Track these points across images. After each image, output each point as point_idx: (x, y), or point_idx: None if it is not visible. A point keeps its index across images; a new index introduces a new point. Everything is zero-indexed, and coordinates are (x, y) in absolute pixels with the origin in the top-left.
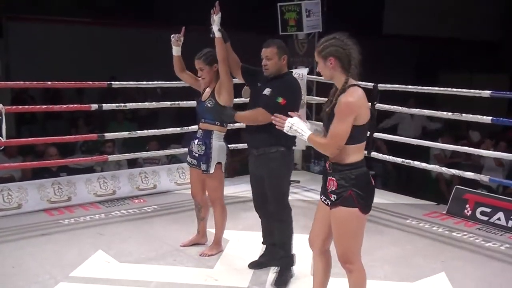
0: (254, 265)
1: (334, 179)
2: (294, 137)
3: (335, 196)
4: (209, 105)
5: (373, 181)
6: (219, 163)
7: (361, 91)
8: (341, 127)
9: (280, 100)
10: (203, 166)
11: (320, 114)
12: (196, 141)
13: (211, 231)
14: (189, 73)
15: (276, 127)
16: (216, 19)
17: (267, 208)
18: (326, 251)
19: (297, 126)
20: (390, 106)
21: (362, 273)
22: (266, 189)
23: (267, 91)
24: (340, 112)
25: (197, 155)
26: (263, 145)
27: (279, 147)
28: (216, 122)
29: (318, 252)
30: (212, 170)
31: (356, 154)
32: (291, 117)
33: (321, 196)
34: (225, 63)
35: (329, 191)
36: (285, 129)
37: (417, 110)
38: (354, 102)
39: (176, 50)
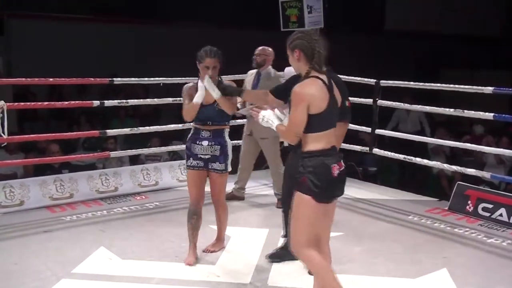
0: (274, 257)
1: (298, 164)
2: None
3: (295, 181)
4: (219, 107)
5: (334, 173)
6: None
7: (318, 82)
8: (294, 115)
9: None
10: (220, 166)
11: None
12: (205, 143)
13: (212, 227)
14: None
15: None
16: (206, 84)
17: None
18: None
19: (268, 118)
20: (391, 102)
21: (314, 261)
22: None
23: None
24: (292, 100)
25: (208, 156)
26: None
27: None
28: (226, 122)
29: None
30: (230, 168)
31: (315, 143)
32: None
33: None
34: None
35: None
36: (259, 120)
37: (419, 106)
38: (303, 91)
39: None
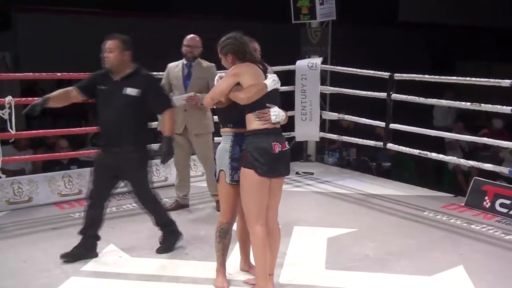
0: (67, 256)
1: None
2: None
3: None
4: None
5: (275, 149)
6: None
7: (251, 65)
8: (221, 85)
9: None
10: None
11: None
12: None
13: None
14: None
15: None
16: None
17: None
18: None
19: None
20: (406, 96)
21: (257, 236)
22: None
23: (132, 91)
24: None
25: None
26: None
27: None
28: (228, 125)
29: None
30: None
31: (255, 122)
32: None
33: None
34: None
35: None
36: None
37: (434, 100)
38: (236, 68)
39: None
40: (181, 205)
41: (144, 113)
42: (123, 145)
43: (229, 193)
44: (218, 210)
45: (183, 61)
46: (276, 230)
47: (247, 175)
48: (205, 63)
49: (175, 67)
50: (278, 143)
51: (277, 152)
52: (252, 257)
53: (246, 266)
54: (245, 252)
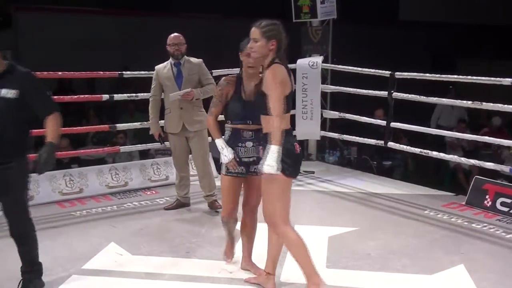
0: None
1: (264, 148)
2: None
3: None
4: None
5: (297, 149)
6: None
7: (282, 67)
8: (275, 96)
9: None
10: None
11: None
12: (249, 144)
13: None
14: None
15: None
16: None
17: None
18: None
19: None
20: (407, 94)
21: (291, 237)
22: None
23: (8, 92)
24: (267, 84)
25: (253, 159)
26: None
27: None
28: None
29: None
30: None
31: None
32: None
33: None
34: None
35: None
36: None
37: (435, 98)
38: (277, 74)
39: None
40: (182, 204)
41: (24, 118)
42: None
43: (225, 185)
44: (214, 210)
45: (171, 61)
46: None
47: (274, 177)
48: (193, 59)
49: (163, 68)
50: (297, 143)
51: (298, 152)
52: (253, 256)
53: (248, 265)
54: (247, 250)
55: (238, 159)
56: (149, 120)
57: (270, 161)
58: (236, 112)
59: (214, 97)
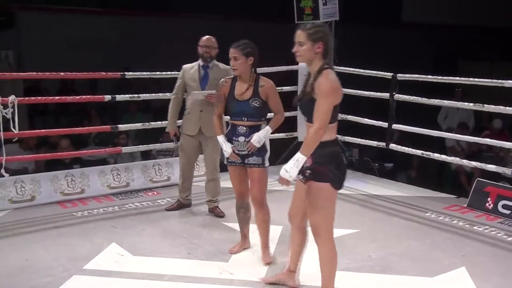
0: None
1: (311, 157)
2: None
3: (309, 172)
4: (256, 104)
5: (344, 160)
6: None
7: (334, 74)
8: (325, 107)
9: None
10: (257, 160)
11: (294, 103)
12: (241, 139)
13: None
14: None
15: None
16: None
17: None
18: (303, 228)
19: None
20: (409, 96)
21: (329, 249)
22: None
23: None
24: (321, 92)
25: (245, 152)
26: None
27: None
28: (262, 119)
29: (295, 227)
30: (267, 164)
31: (329, 133)
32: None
33: (298, 175)
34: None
35: (304, 167)
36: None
37: (437, 100)
38: (333, 82)
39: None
40: (183, 205)
41: None
42: None
43: (230, 173)
44: (215, 215)
45: (199, 62)
46: (306, 230)
47: (324, 189)
48: (221, 65)
49: (191, 68)
50: (343, 154)
51: (345, 162)
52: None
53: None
54: (262, 241)
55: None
56: (151, 121)
57: (289, 167)
58: (231, 109)
59: None
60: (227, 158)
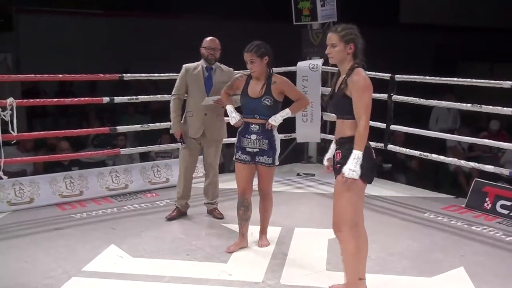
0: None
1: (340, 151)
2: None
3: (340, 165)
4: (267, 103)
5: (374, 155)
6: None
7: (363, 77)
8: (365, 102)
9: None
10: (268, 160)
11: (326, 101)
12: (253, 136)
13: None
14: (229, 93)
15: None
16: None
17: None
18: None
19: None
20: (407, 97)
21: (351, 243)
22: None
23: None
24: (358, 88)
25: (256, 150)
26: None
27: None
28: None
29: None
30: (277, 162)
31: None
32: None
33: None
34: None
35: (335, 163)
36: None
37: (435, 101)
38: (366, 78)
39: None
40: (182, 213)
41: None
42: None
43: (236, 169)
44: (213, 217)
45: (202, 63)
46: (365, 234)
47: (354, 182)
48: (224, 67)
49: (194, 69)
50: (372, 149)
51: (374, 157)
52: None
53: (261, 238)
54: (261, 225)
55: (243, 148)
56: (149, 123)
57: (352, 166)
58: (244, 106)
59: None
60: (237, 156)
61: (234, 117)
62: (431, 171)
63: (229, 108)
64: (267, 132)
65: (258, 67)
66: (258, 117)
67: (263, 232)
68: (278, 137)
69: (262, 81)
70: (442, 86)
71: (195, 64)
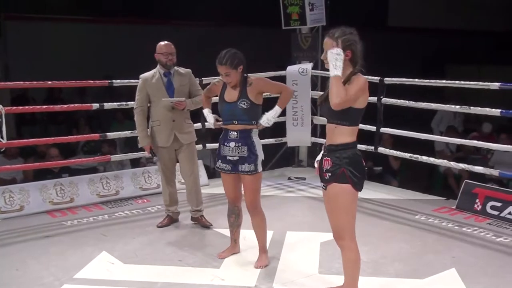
0: None
1: (329, 159)
2: None
3: (329, 174)
4: (244, 106)
5: (364, 162)
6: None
7: (364, 78)
8: (353, 91)
9: None
10: (249, 167)
11: (318, 103)
12: (231, 144)
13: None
14: (209, 96)
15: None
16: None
17: None
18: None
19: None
20: (396, 100)
21: (354, 251)
22: None
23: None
24: (357, 82)
25: (236, 158)
26: None
27: None
28: (253, 122)
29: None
30: (260, 169)
31: (349, 136)
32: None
33: (321, 184)
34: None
35: (324, 170)
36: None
37: (424, 104)
38: (365, 81)
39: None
40: (173, 220)
41: None
42: None
43: (222, 179)
44: (200, 225)
45: (159, 69)
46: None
47: (344, 190)
48: (182, 69)
49: (151, 77)
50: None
51: (364, 164)
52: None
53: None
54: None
55: (223, 156)
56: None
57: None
58: (222, 112)
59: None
60: (217, 165)
61: (209, 122)
62: (422, 174)
63: (205, 111)
64: (245, 139)
65: (234, 78)
66: (236, 122)
67: (262, 250)
68: (259, 142)
69: (238, 86)
70: (433, 88)
71: (152, 72)
